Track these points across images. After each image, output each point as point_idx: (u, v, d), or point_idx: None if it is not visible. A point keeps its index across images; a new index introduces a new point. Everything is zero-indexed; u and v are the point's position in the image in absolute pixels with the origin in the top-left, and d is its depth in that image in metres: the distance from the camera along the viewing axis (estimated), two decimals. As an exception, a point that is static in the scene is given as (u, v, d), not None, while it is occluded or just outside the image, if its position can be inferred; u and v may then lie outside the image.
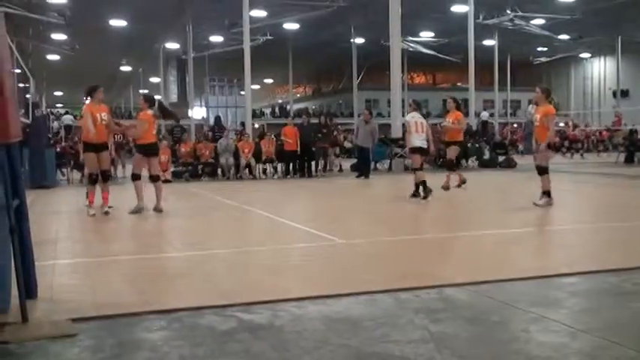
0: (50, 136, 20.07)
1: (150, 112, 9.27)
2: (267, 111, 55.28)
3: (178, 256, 5.98)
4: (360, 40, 38.50)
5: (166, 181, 15.67)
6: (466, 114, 21.27)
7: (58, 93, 59.51)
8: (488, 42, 37.10)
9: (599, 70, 50.51)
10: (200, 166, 17.49)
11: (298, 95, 60.50)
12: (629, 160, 21.79)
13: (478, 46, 28.60)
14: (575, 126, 30.58)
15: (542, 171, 9.11)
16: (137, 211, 8.91)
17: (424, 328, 3.41)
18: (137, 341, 3.34)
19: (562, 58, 47.64)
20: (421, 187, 10.25)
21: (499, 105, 43.56)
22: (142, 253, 6.31)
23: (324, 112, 40.21)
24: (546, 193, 9.04)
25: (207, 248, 6.37)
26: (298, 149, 17.42)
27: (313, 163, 18.22)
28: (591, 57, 50.48)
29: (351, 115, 42.80)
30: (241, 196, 12.25)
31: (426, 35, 38.36)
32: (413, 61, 42.80)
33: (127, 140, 17.90)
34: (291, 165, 17.94)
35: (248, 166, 17.30)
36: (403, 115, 17.33)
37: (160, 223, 8.53)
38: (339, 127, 31.03)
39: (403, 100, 22.71)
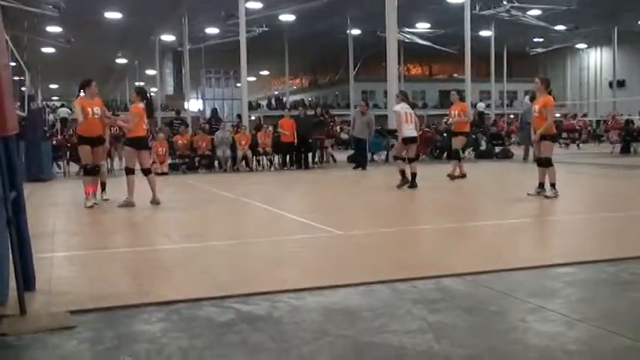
0: (46, 129, 19.97)
1: (141, 105, 9.23)
2: (264, 103, 55.14)
3: (176, 248, 5.98)
4: (356, 32, 38.35)
5: (163, 173, 15.68)
6: (463, 105, 21.22)
7: (54, 86, 59.18)
8: (484, 33, 37.00)
9: (596, 60, 50.52)
10: (197, 159, 17.47)
11: (294, 87, 60.32)
12: (625, 150, 21.84)
13: (474, 37, 28.49)
14: (574, 115, 30.61)
15: (547, 163, 9.07)
16: (126, 204, 8.91)
17: (422, 319, 3.42)
18: (135, 333, 3.34)
19: (558, 49, 47.59)
20: (399, 175, 10.70)
21: (495, 96, 43.54)
22: (139, 246, 6.31)
23: (321, 104, 40.19)
24: (553, 185, 9.02)
25: (204, 240, 6.37)
26: (295, 141, 17.44)
27: (310, 154, 18.24)
28: (587, 47, 50.48)
29: (348, 106, 42.70)
30: (238, 189, 12.24)
31: (423, 26, 38.23)
32: (409, 53, 42.70)
33: (122, 132, 17.81)
34: (288, 157, 17.98)
35: (245, 158, 17.30)
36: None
37: (158, 216, 8.52)
38: (336, 118, 31.01)
39: (400, 92, 22.63)
